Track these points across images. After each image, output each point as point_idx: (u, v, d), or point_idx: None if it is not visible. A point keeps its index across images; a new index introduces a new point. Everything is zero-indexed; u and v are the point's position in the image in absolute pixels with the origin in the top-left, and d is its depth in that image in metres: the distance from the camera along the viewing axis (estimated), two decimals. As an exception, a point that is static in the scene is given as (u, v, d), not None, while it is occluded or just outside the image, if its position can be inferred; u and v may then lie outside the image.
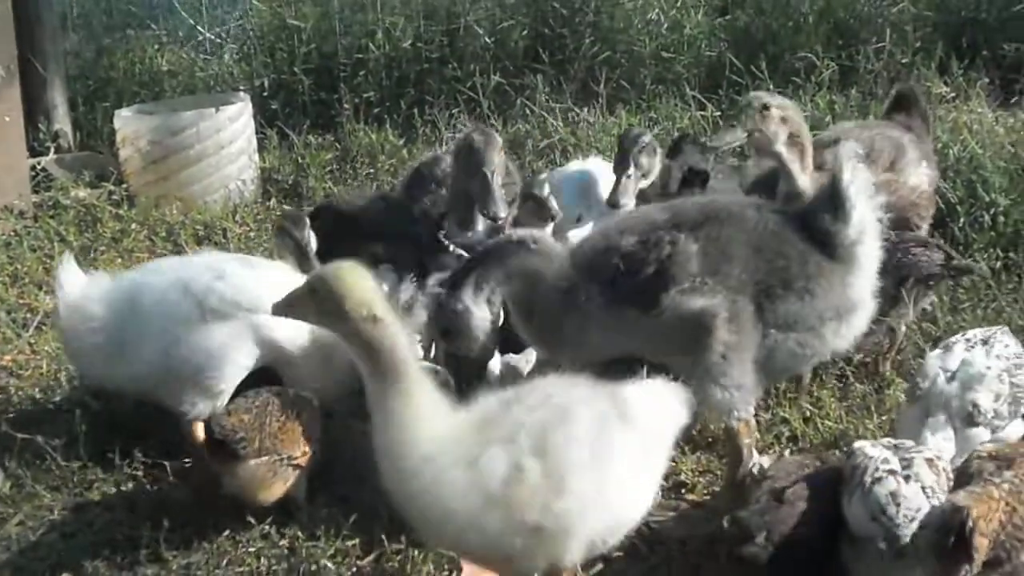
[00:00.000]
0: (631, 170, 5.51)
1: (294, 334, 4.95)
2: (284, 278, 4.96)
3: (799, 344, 4.41)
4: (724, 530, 4.04)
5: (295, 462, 4.56)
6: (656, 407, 3.92)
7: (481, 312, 4.58)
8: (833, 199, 4.39)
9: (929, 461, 3.89)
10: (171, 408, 5.02)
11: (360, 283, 3.62)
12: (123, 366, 5.00)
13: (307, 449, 4.62)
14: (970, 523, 3.53)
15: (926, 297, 5.48)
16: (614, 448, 3.66)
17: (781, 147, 5.15)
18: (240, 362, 4.98)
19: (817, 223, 4.41)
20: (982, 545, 3.55)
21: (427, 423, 3.55)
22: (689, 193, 5.52)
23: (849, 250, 4.40)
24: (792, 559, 3.90)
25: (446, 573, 4.38)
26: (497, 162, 5.32)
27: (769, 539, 3.87)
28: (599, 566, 4.29)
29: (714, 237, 4.35)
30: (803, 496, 3.98)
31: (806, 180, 5.16)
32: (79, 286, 5.15)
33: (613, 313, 4.36)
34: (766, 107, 5.12)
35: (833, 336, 4.46)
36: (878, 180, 5.41)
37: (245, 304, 4.93)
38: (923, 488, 3.76)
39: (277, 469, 4.51)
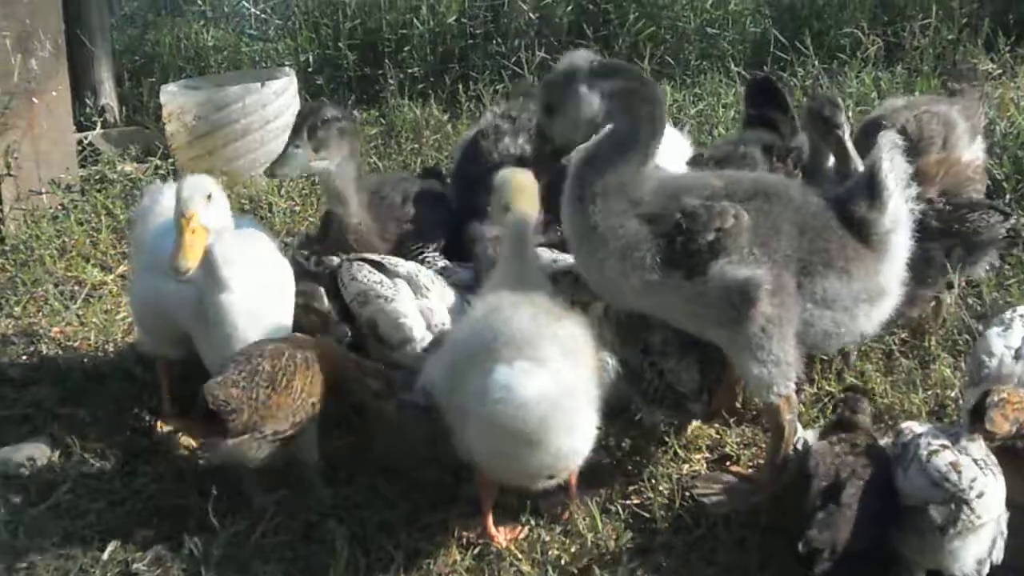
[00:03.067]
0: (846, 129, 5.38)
1: (180, 308, 4.96)
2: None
3: (834, 322, 4.40)
4: (769, 503, 4.04)
5: (282, 436, 4.46)
6: None
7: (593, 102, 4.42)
8: (871, 187, 4.41)
9: (971, 436, 3.93)
10: None
11: None
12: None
13: (297, 420, 4.49)
14: (993, 398, 3.91)
15: (981, 263, 5.41)
16: None
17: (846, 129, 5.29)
18: (149, 319, 5.19)
19: (853, 210, 4.42)
20: (999, 422, 3.88)
21: None
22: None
23: (883, 238, 4.42)
24: (850, 557, 3.89)
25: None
26: None
27: (834, 549, 3.85)
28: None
29: (764, 211, 4.33)
30: (858, 491, 3.95)
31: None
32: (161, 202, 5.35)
33: (660, 269, 4.30)
34: None
35: (864, 318, 4.47)
36: (932, 161, 5.44)
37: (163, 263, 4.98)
38: (975, 461, 3.79)
39: (261, 445, 4.43)
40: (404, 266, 5.14)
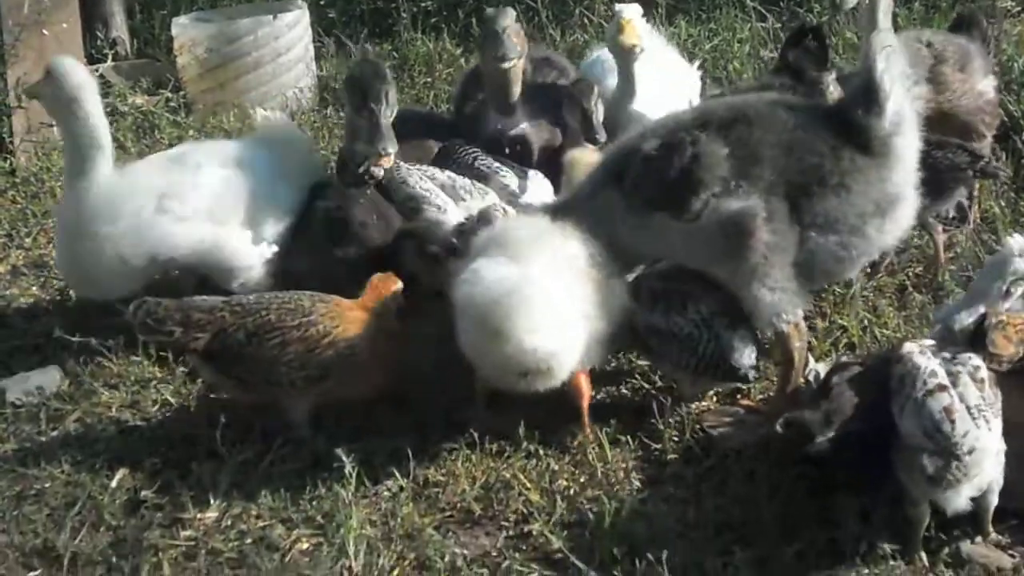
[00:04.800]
0: None
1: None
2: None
3: (841, 245, 4.31)
4: (779, 434, 4.03)
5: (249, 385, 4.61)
6: None
7: None
8: (866, 91, 4.24)
9: (972, 375, 3.84)
10: None
11: None
12: None
13: (271, 380, 4.54)
14: (992, 320, 3.90)
15: (949, 201, 5.36)
16: None
17: None
18: None
19: (850, 118, 4.28)
20: (1002, 344, 3.88)
21: None
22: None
23: (885, 142, 4.26)
24: (853, 445, 3.87)
25: (505, 464, 4.43)
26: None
27: (829, 428, 3.84)
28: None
29: (744, 139, 4.28)
30: (851, 379, 3.97)
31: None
32: None
33: (639, 216, 4.36)
34: None
35: (877, 233, 4.35)
36: (950, 72, 5.38)
37: None
38: (969, 409, 3.73)
39: (224, 382, 4.71)
40: (440, 176, 5.34)
